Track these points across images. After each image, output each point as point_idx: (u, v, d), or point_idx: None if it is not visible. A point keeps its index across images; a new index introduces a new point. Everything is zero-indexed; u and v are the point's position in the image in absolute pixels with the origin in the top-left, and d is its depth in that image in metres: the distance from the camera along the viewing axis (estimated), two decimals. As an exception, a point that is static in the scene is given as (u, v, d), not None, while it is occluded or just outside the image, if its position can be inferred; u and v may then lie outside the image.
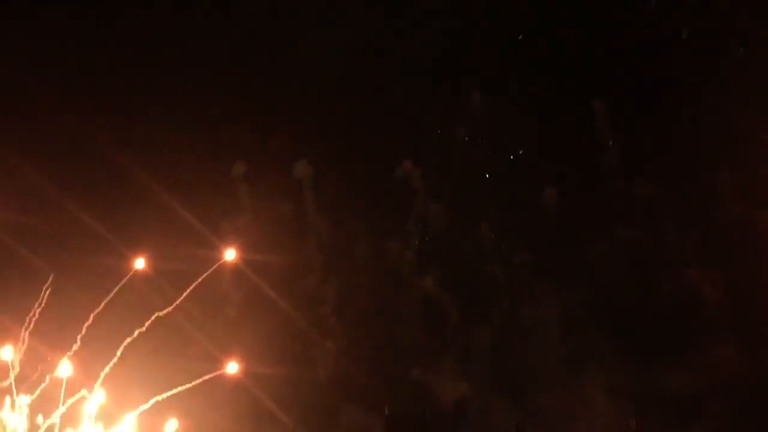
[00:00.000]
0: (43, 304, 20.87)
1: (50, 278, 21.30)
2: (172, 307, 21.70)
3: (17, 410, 19.60)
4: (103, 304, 20.94)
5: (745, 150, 29.20)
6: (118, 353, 20.45)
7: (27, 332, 20.24)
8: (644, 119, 32.22)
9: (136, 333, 21.02)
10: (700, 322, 29.05)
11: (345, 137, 33.17)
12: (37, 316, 20.40)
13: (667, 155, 31.37)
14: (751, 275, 28.56)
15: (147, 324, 21.08)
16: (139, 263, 21.83)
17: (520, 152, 33.64)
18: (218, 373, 21.52)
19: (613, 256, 31.13)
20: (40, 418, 19.81)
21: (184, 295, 22.00)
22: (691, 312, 29.34)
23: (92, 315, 20.83)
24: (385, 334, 30.76)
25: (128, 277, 21.68)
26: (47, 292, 21.13)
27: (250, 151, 32.30)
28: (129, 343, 20.71)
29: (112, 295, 21.22)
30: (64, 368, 19.69)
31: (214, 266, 22.69)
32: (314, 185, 32.58)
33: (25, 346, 20.10)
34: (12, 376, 19.57)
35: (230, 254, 22.78)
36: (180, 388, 20.71)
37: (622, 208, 31.84)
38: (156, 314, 21.37)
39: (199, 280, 22.31)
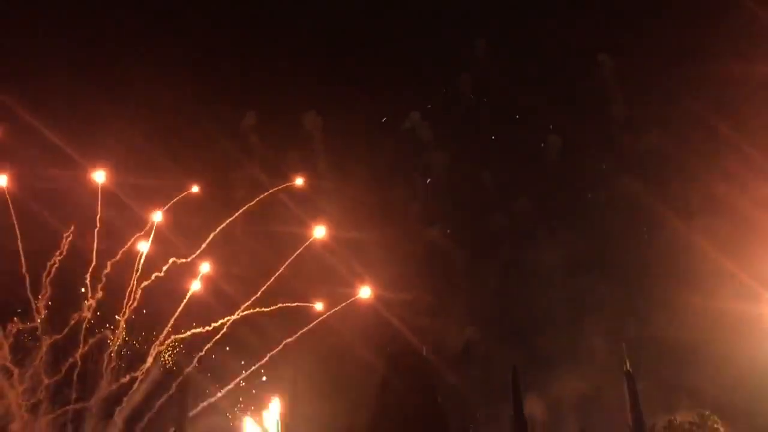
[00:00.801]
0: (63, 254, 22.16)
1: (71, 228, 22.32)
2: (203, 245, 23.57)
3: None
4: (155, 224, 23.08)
5: (746, 105, 29.37)
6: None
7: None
8: (647, 71, 32.47)
9: (153, 276, 22.22)
10: (697, 269, 29.64)
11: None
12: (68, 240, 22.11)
13: (669, 107, 31.76)
14: (747, 225, 28.97)
15: (165, 268, 22.37)
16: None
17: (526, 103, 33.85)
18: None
19: (614, 204, 31.83)
20: None
21: (236, 215, 24.62)
22: (689, 259, 29.92)
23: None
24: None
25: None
26: (67, 240, 22.21)
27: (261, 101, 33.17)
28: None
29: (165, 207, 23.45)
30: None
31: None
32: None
33: None
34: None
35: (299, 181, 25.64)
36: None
37: (624, 158, 32.40)
38: (172, 259, 22.52)
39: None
